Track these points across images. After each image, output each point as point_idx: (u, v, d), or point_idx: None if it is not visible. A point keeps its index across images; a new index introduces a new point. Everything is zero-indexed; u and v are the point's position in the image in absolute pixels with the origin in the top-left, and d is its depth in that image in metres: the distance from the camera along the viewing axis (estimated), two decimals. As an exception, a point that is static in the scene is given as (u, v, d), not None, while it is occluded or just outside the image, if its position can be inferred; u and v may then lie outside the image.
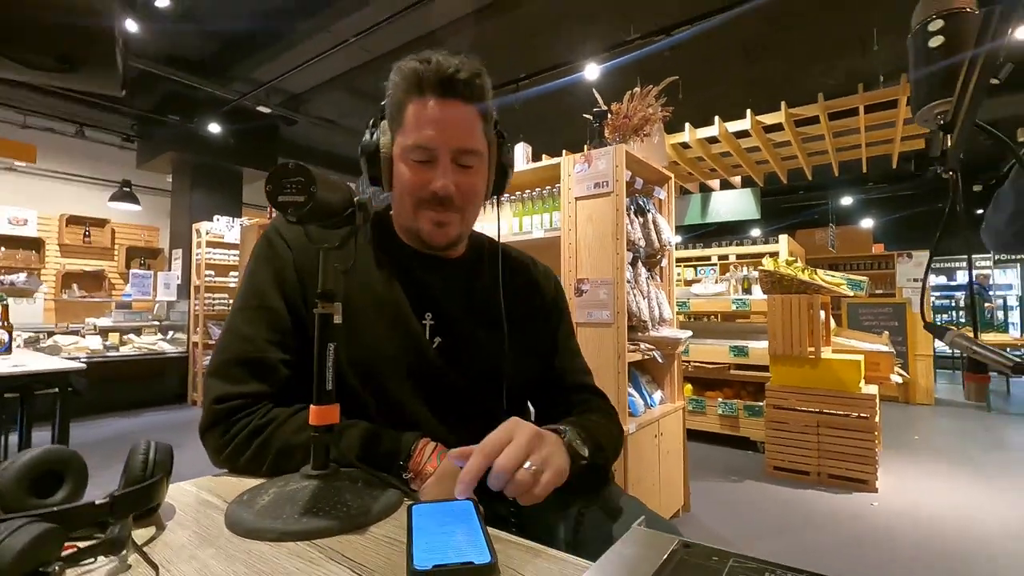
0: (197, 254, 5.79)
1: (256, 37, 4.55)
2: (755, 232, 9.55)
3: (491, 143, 0.81)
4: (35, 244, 6.37)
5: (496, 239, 0.91)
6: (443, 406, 0.78)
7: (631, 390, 2.33)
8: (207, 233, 5.73)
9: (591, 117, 2.50)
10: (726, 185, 5.84)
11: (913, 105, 0.63)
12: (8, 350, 2.33)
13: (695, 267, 6.93)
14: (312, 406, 0.58)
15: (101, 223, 6.79)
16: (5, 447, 2.88)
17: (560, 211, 2.37)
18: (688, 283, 6.89)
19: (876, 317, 5.80)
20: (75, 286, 6.64)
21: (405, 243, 0.84)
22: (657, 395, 2.61)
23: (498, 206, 0.90)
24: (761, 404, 3.64)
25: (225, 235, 5.86)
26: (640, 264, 2.45)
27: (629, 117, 2.45)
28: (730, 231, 8.45)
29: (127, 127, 6.17)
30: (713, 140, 4.40)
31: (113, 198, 5.85)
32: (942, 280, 9.58)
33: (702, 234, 8.57)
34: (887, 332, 4.33)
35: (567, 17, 4.07)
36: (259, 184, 7.30)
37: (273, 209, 0.52)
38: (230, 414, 0.70)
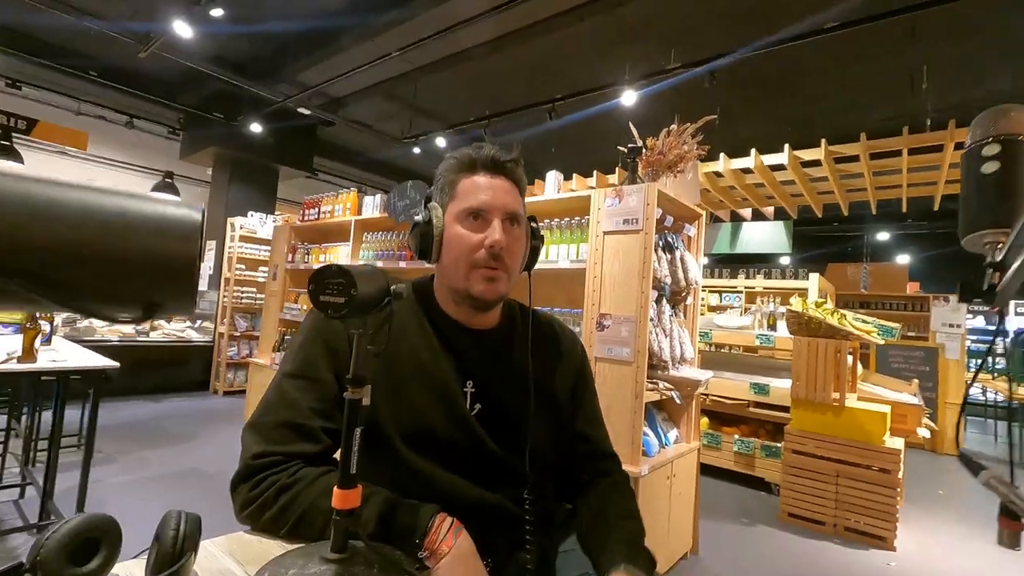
0: (230, 247, 5.95)
1: (303, 43, 4.67)
2: (785, 260, 9.35)
3: (526, 222, 0.91)
4: (79, 226, 6.66)
5: (527, 306, 0.96)
6: (478, 469, 0.83)
7: (646, 429, 2.30)
8: (241, 228, 5.89)
9: (625, 151, 2.49)
10: (757, 215, 5.75)
11: (961, 227, 0.62)
12: (48, 340, 2.44)
13: (720, 293, 6.82)
14: (336, 489, 0.59)
15: (142, 209, 7.05)
16: (38, 427, 3.01)
17: (588, 243, 2.36)
18: (712, 308, 6.78)
19: (907, 360, 5.62)
20: (113, 268, 6.91)
21: (447, 314, 0.89)
22: (672, 434, 2.57)
23: (530, 280, 0.96)
24: (779, 445, 3.56)
25: (258, 231, 6.02)
26: (664, 301, 2.43)
27: (664, 153, 2.43)
28: (759, 258, 8.29)
29: (174, 120, 6.39)
30: (747, 171, 4.33)
31: (155, 188, 6.05)
32: (980, 323, 9.21)
33: (729, 258, 8.43)
34: (916, 380, 4.19)
35: (606, 40, 4.07)
36: (294, 181, 7.48)
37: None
38: (263, 469, 0.73)
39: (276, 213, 6.65)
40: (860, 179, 4.37)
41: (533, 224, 0.93)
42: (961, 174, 0.65)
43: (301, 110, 5.75)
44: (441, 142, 5.79)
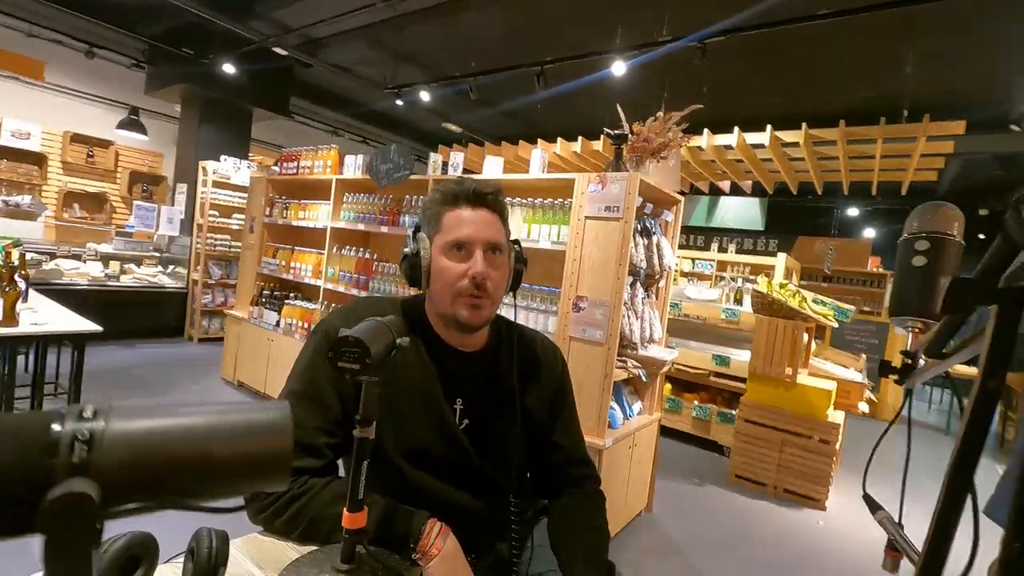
0: (202, 192, 5.77)
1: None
2: (759, 227, 9.59)
3: (509, 248, 0.97)
4: (38, 159, 6.29)
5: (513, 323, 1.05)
6: (464, 478, 0.93)
7: (613, 404, 2.48)
8: (213, 173, 5.70)
9: (611, 134, 2.51)
10: (735, 188, 5.85)
11: (890, 307, 0.72)
12: (25, 297, 2.42)
13: (693, 260, 7.01)
14: (345, 511, 0.69)
15: (105, 144, 6.67)
16: (14, 375, 3.00)
17: (569, 226, 2.43)
18: (685, 274, 6.99)
19: (859, 334, 5.99)
20: (76, 206, 6.62)
21: (439, 336, 0.96)
22: (637, 406, 2.76)
23: (515, 299, 1.05)
24: (734, 412, 3.83)
25: (232, 176, 5.83)
26: (638, 284, 2.55)
27: (649, 140, 2.47)
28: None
29: (138, 52, 5.98)
30: (728, 147, 4.39)
31: (121, 126, 5.76)
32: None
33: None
34: (864, 356, 4.51)
35: (599, 6, 3.95)
36: (269, 123, 7.17)
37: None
38: None
39: (250, 158, 6.43)
40: (836, 161, 4.49)
41: (517, 247, 1.00)
42: (896, 259, 0.74)
43: (277, 50, 5.46)
44: (425, 96, 5.61)
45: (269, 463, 0.30)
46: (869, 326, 5.95)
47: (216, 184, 5.75)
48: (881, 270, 6.65)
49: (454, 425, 0.93)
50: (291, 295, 4.08)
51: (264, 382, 3.97)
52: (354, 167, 3.57)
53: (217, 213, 5.83)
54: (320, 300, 3.70)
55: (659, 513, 2.93)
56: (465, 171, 3.13)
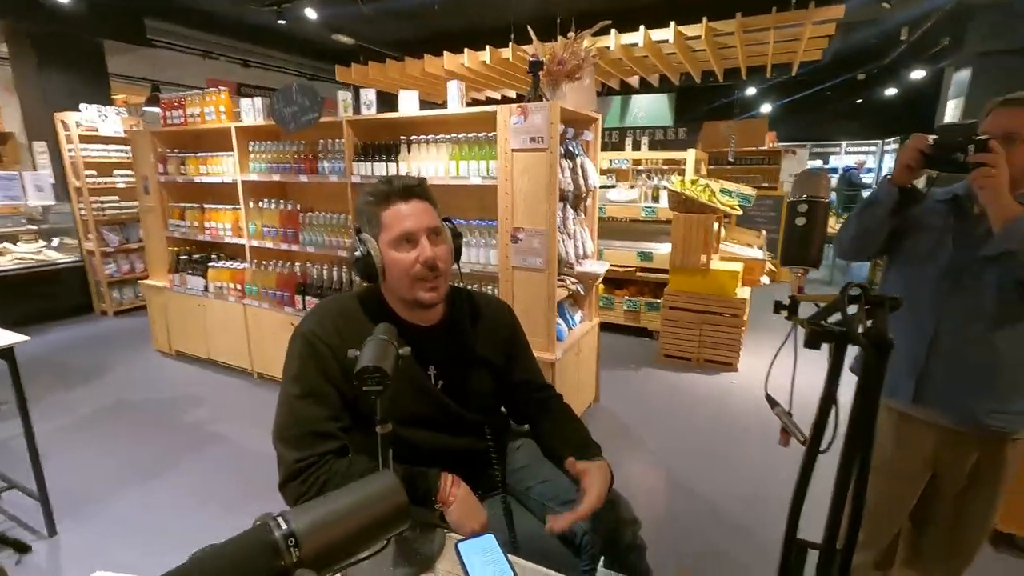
0: (70, 150, 5.04)
1: None
2: (669, 122, 9.88)
3: (444, 227, 1.11)
4: None
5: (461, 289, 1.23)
6: (449, 426, 1.13)
7: (558, 319, 2.73)
8: (77, 125, 4.95)
9: (529, 61, 2.49)
10: (644, 83, 5.93)
11: (780, 257, 0.91)
12: (-85, 315, 2.19)
13: (610, 159, 7.23)
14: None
15: (-81, 102, 5.54)
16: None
17: (497, 160, 2.47)
18: (603, 172, 7.24)
19: (760, 209, 6.60)
20: (-92, 182, 5.59)
21: (403, 319, 1.11)
22: (578, 315, 3.05)
23: (459, 270, 1.20)
24: (659, 301, 4.28)
25: (100, 127, 5.10)
26: (568, 207, 2.69)
27: (563, 62, 2.48)
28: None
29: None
30: (635, 45, 4.41)
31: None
32: (817, 164, 10.74)
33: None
34: (764, 232, 5.07)
35: None
36: (127, 55, 6.17)
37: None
38: (304, 470, 0.97)
39: (116, 103, 5.60)
40: (733, 50, 4.66)
41: (450, 225, 1.14)
42: (784, 218, 0.93)
43: (115, -35, 4.57)
44: (311, 13, 5.01)
45: (395, 516, 0.42)
46: (767, 201, 6.56)
47: (84, 139, 5.03)
48: (776, 146, 7.20)
49: (433, 388, 1.12)
50: (213, 257, 3.88)
51: (206, 349, 3.88)
52: (254, 112, 3.28)
53: (95, 172, 5.17)
54: (248, 259, 3.57)
55: (605, 402, 3.36)
56: (379, 103, 2.96)
